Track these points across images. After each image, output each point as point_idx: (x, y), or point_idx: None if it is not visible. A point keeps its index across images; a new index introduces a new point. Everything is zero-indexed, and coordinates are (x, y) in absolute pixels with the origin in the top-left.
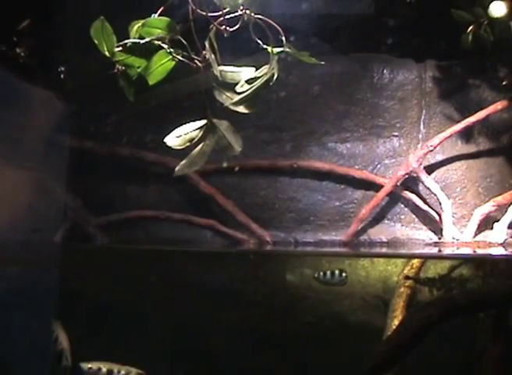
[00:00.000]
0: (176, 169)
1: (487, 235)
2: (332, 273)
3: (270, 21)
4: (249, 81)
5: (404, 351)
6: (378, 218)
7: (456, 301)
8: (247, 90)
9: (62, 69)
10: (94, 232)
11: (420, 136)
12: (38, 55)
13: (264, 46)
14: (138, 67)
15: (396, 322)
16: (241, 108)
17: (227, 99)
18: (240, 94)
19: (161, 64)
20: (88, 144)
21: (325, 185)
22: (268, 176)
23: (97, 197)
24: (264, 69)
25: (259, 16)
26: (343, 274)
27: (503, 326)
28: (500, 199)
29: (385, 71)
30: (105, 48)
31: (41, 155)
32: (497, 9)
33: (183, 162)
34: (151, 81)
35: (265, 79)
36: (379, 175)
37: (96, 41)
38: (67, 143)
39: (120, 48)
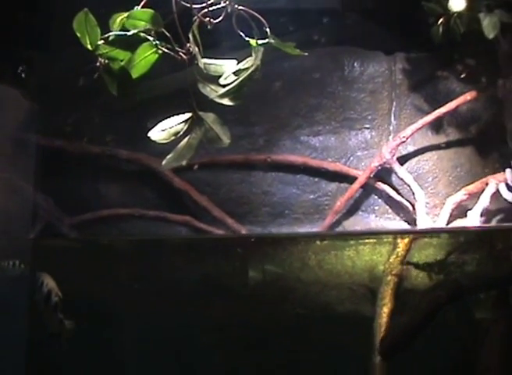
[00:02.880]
0: (163, 163)
1: (459, 223)
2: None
3: (254, 13)
4: (235, 73)
5: (416, 333)
6: (352, 210)
7: (462, 283)
8: (232, 82)
9: (26, 66)
10: (67, 231)
11: (391, 127)
12: (2, 52)
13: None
14: (121, 60)
15: (385, 309)
16: (226, 101)
17: (211, 92)
18: (224, 86)
19: (145, 57)
20: (58, 143)
21: (299, 178)
22: (241, 171)
23: (70, 196)
24: (249, 61)
25: (242, 8)
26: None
27: (504, 306)
28: (472, 188)
29: (355, 64)
30: (88, 41)
31: (9, 155)
32: (457, 3)
33: (170, 155)
34: (134, 74)
35: (250, 71)
36: (352, 167)
37: (78, 34)
38: (36, 142)
39: (102, 41)
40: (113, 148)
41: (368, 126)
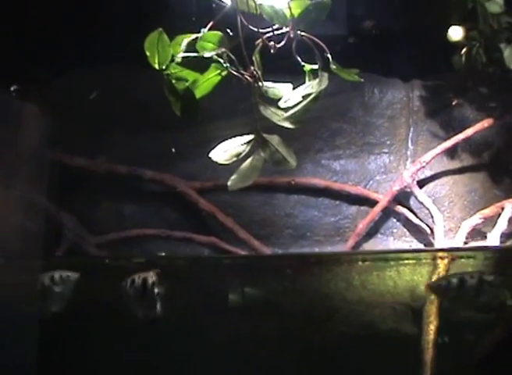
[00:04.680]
0: (229, 183)
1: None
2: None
3: (316, 39)
4: (304, 97)
5: (508, 344)
6: (371, 232)
7: None
8: (294, 106)
9: (44, 85)
10: (93, 251)
11: (408, 153)
12: (23, 70)
13: (310, 64)
14: (186, 81)
15: (431, 326)
16: (287, 124)
17: (273, 115)
18: (284, 109)
19: (209, 78)
20: (84, 162)
21: (320, 201)
22: (264, 193)
23: (95, 216)
24: (313, 85)
25: (304, 34)
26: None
27: None
28: (487, 212)
29: (375, 90)
30: (156, 61)
31: (33, 174)
32: (455, 33)
33: (234, 176)
34: (198, 95)
35: (315, 95)
36: (371, 190)
37: (148, 53)
38: (62, 161)
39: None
40: (138, 168)
41: (386, 150)
